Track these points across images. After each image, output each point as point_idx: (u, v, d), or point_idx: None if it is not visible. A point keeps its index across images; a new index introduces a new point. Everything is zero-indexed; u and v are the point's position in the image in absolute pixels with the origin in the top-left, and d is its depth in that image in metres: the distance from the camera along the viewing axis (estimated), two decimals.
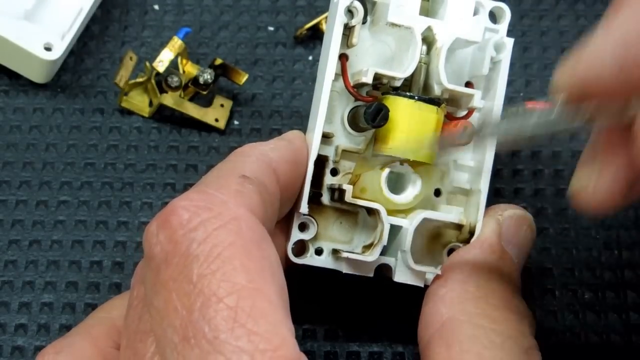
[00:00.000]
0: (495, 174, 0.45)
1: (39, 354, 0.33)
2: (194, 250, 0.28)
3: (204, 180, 0.33)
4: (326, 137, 0.37)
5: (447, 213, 0.37)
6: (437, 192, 0.39)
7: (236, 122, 0.47)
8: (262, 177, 0.33)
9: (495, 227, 0.37)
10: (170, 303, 0.28)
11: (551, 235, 0.44)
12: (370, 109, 0.35)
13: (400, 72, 0.36)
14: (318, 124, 0.36)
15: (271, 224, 0.34)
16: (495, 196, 0.44)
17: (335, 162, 0.38)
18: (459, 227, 0.38)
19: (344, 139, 0.38)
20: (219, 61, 0.46)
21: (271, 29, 0.49)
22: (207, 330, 0.27)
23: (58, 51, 0.45)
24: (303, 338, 0.41)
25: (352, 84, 0.37)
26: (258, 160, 0.34)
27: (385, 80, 0.36)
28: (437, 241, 0.38)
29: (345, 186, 0.36)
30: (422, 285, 0.37)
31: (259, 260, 0.29)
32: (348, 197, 0.36)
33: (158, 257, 0.29)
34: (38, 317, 0.42)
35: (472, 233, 0.37)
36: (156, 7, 0.49)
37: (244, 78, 0.46)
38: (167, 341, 0.27)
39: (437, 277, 0.36)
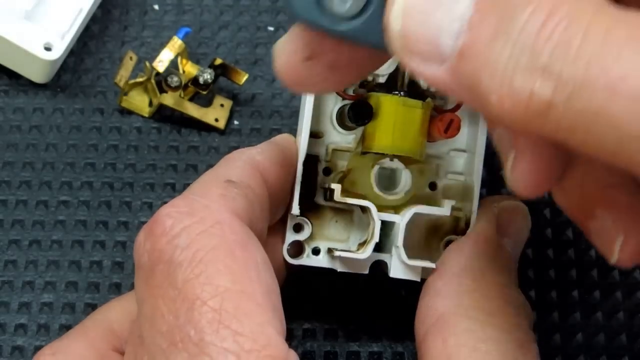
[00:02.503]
0: (495, 174, 0.45)
1: (36, 355, 0.33)
2: (178, 256, 0.29)
3: (190, 187, 0.33)
4: (316, 137, 0.38)
5: (442, 206, 0.37)
6: (433, 186, 0.39)
7: (236, 122, 0.47)
8: (248, 181, 0.33)
9: (491, 219, 0.37)
10: (157, 310, 0.28)
11: (550, 235, 0.44)
12: (353, 107, 0.35)
13: (383, 69, 0.36)
14: (305, 125, 0.36)
15: (262, 225, 0.34)
16: (494, 194, 0.44)
17: (327, 161, 0.38)
18: (456, 219, 0.38)
19: (334, 138, 0.38)
20: (219, 61, 0.46)
21: (271, 29, 0.49)
22: (192, 333, 0.27)
23: (58, 51, 0.45)
24: (303, 338, 0.41)
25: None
26: (244, 164, 0.34)
27: (370, 78, 0.36)
28: (435, 234, 0.38)
29: (334, 185, 0.36)
30: (419, 280, 0.37)
31: (243, 262, 0.29)
32: (337, 197, 0.36)
33: (145, 266, 0.30)
34: (38, 317, 0.42)
35: (468, 225, 0.37)
36: (156, 7, 0.49)
37: (244, 78, 0.46)
38: (155, 347, 0.28)
39: (433, 270, 0.36)
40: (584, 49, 0.20)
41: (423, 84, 0.37)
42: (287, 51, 0.27)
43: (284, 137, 0.38)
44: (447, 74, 0.23)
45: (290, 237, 0.37)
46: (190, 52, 0.47)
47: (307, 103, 0.36)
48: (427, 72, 0.23)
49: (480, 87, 0.22)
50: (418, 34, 0.23)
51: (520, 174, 0.26)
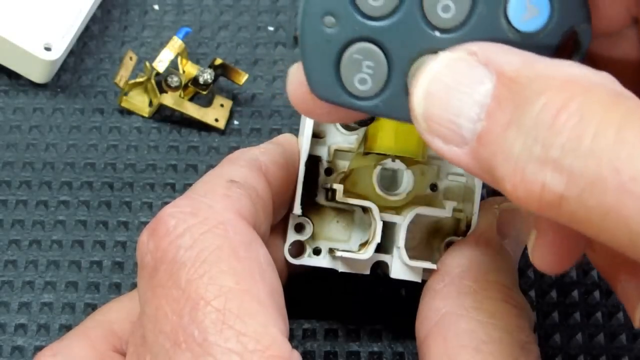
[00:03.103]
0: None
1: (36, 357, 0.33)
2: (182, 256, 0.29)
3: (193, 187, 0.33)
4: (318, 138, 0.38)
5: (443, 208, 0.37)
6: (434, 187, 0.39)
7: (236, 122, 0.47)
8: (251, 181, 0.33)
9: (492, 220, 0.37)
10: (161, 309, 0.28)
11: None
12: None
13: None
14: (307, 126, 0.37)
15: (265, 225, 0.34)
16: (494, 196, 0.44)
17: (328, 162, 0.38)
18: (457, 221, 0.38)
19: (336, 138, 0.38)
20: (219, 61, 0.46)
21: (271, 29, 0.49)
22: (196, 333, 0.27)
23: (58, 51, 0.45)
24: (303, 338, 0.41)
25: None
26: (247, 164, 0.34)
27: None
28: (436, 236, 0.38)
29: (336, 186, 0.36)
30: (419, 281, 0.37)
31: (246, 261, 0.29)
32: (339, 197, 0.36)
33: (149, 266, 0.29)
34: (38, 317, 0.42)
35: (469, 227, 0.37)
36: (156, 7, 0.49)
37: (244, 78, 0.46)
38: (159, 347, 0.28)
39: (434, 271, 0.36)
40: (595, 146, 0.21)
41: None
42: (297, 81, 0.28)
43: (286, 137, 0.38)
44: (467, 156, 0.24)
45: (292, 237, 0.37)
46: (190, 52, 0.47)
47: None
48: (450, 153, 0.24)
49: (496, 173, 0.23)
50: (440, 117, 0.24)
51: (542, 255, 0.27)
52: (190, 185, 0.41)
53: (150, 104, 0.46)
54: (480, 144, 0.23)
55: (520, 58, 0.24)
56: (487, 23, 0.26)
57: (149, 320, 0.29)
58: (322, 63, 0.27)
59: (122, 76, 0.45)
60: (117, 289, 0.42)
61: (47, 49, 0.45)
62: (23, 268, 0.43)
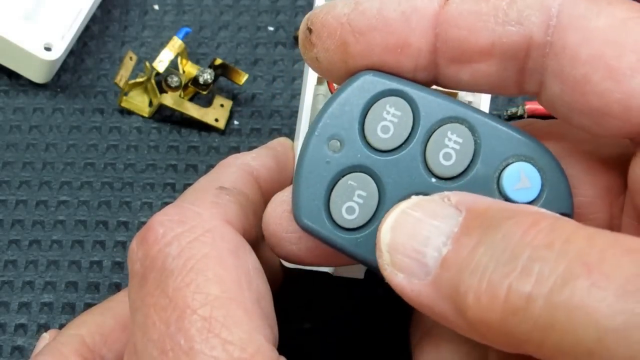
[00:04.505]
0: None
1: None
2: (169, 264, 0.29)
3: (183, 194, 0.33)
4: None
5: None
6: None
7: (236, 122, 0.47)
8: (241, 187, 0.33)
9: None
10: (149, 318, 0.28)
11: None
12: None
13: None
14: (301, 129, 0.36)
15: (257, 231, 0.34)
16: None
17: None
18: None
19: None
20: (219, 61, 0.46)
21: (271, 29, 0.49)
22: (183, 342, 0.27)
23: (58, 51, 0.45)
24: (303, 338, 0.41)
25: (336, 87, 0.37)
26: (238, 170, 0.34)
27: None
28: None
29: None
30: None
31: (233, 269, 0.29)
32: None
33: (138, 274, 0.30)
34: (38, 317, 0.42)
35: None
36: (156, 7, 0.49)
37: (244, 78, 0.46)
38: (147, 356, 0.28)
39: None
40: (566, 248, 0.22)
41: None
42: (280, 200, 0.30)
43: (280, 142, 0.38)
44: (428, 287, 0.25)
45: None
46: (190, 52, 0.47)
47: (305, 107, 0.36)
48: (410, 287, 0.25)
49: (459, 290, 0.23)
50: (405, 246, 0.25)
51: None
52: (190, 185, 0.41)
53: (150, 104, 0.46)
54: (444, 268, 0.24)
55: (490, 199, 0.25)
56: (481, 182, 0.27)
57: (139, 328, 0.29)
58: (314, 184, 0.28)
59: (122, 76, 0.45)
60: (117, 289, 0.42)
61: (47, 49, 0.45)
62: (23, 268, 0.43)
